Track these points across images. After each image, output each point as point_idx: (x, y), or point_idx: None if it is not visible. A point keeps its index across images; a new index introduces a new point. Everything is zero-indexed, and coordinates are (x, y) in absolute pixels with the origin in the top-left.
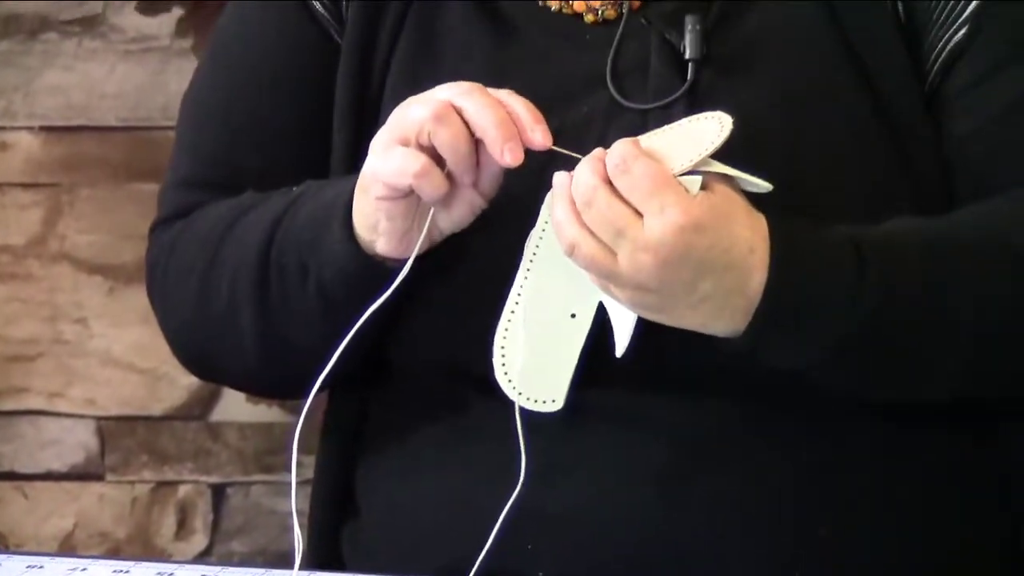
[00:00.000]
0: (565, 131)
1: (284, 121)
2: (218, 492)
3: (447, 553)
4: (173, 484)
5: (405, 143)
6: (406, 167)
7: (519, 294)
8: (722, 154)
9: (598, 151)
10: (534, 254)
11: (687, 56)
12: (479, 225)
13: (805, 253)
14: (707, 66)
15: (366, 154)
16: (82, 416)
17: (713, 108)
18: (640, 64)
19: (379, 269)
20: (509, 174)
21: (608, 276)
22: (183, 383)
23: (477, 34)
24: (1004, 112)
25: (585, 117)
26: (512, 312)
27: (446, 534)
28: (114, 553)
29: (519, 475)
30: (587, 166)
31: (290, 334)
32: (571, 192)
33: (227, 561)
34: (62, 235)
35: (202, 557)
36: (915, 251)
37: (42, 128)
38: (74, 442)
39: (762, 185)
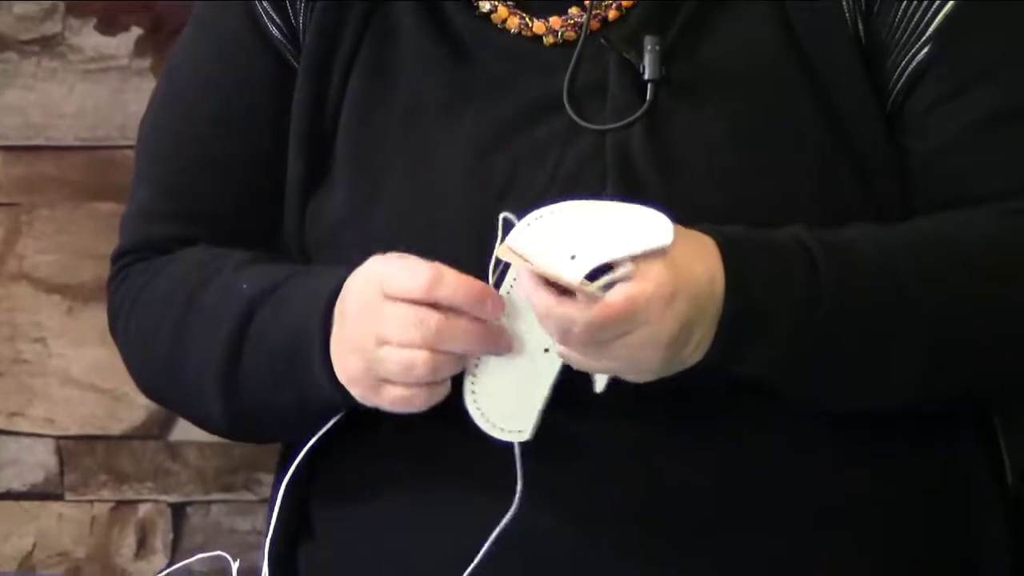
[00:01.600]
0: (523, 156)
1: (237, 153)
2: (178, 511)
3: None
4: (133, 503)
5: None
6: (413, 401)
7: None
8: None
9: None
10: (508, 293)
11: (646, 77)
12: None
13: (755, 264)
14: (666, 88)
15: (320, 182)
16: (41, 435)
17: (672, 129)
18: (598, 85)
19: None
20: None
21: (610, 370)
22: (142, 403)
23: (433, 59)
24: (971, 131)
25: (543, 141)
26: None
27: (404, 556)
28: (74, 573)
29: (513, 501)
30: (549, 312)
31: (263, 423)
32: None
33: None
34: (21, 255)
35: None
36: (866, 248)
37: (1, 148)
38: (33, 461)
39: (662, 240)
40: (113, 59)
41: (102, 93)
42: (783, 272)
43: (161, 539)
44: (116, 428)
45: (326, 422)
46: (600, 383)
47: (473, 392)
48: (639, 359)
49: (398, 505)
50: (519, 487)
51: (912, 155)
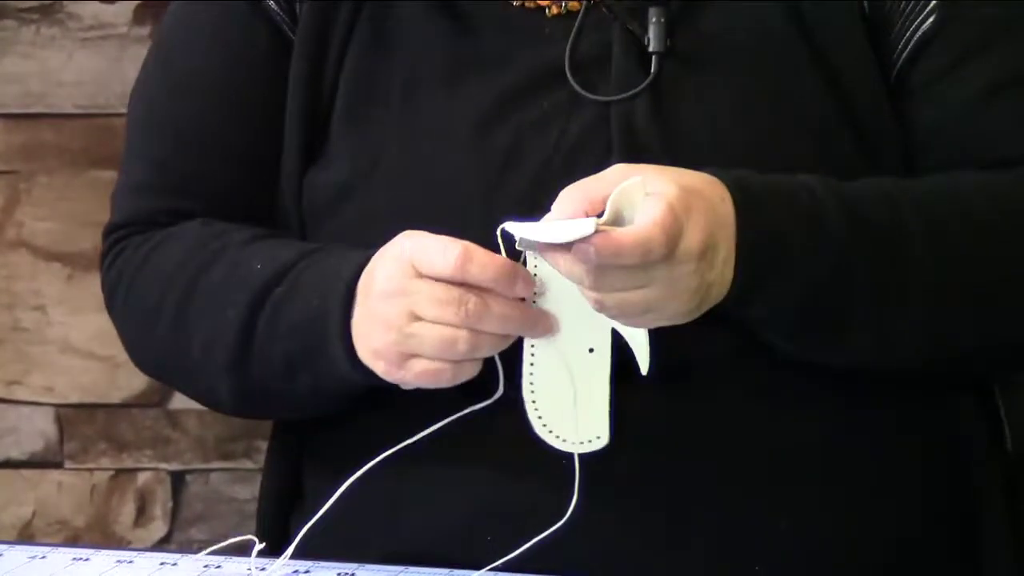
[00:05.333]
0: (526, 127)
1: (233, 127)
2: (177, 480)
3: (395, 544)
4: (132, 472)
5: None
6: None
7: (532, 344)
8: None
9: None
10: (533, 303)
11: (650, 48)
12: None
13: (762, 193)
14: (670, 59)
15: (318, 154)
16: (41, 404)
17: (677, 100)
18: (602, 56)
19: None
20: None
21: (651, 303)
22: None
23: (433, 32)
24: (975, 99)
25: (546, 112)
26: (531, 364)
27: (395, 525)
28: (73, 541)
29: (568, 509)
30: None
31: (271, 403)
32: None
33: (187, 549)
34: (20, 222)
35: (161, 544)
36: (878, 200)
37: (0, 116)
38: (33, 430)
39: (635, 183)
40: (112, 27)
41: (101, 61)
42: (790, 202)
43: (160, 507)
44: (115, 396)
45: (337, 404)
46: (644, 364)
47: (540, 419)
48: (677, 279)
49: (389, 475)
50: (575, 498)
51: (916, 125)
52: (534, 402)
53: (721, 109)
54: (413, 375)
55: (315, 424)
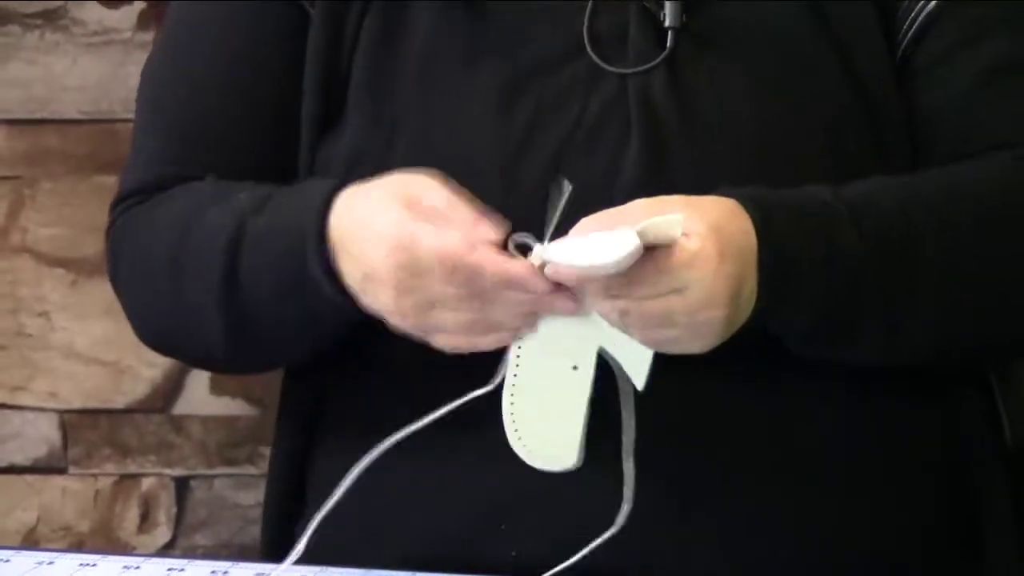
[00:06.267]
0: (546, 102)
1: (252, 98)
2: (181, 485)
3: (403, 546)
4: (136, 477)
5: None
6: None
7: (518, 356)
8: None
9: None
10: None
11: (666, 24)
12: None
13: (781, 216)
14: (686, 37)
15: (334, 123)
16: (44, 409)
17: (692, 77)
18: (618, 32)
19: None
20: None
21: (674, 339)
22: (146, 376)
23: (450, 8)
24: (976, 82)
25: (565, 87)
26: (515, 374)
27: (404, 527)
28: (78, 547)
29: (626, 504)
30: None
31: (265, 338)
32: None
33: (192, 554)
34: (24, 228)
35: (165, 550)
36: (882, 197)
37: (4, 121)
38: (37, 435)
39: (673, 220)
40: (116, 32)
41: (105, 66)
42: (809, 221)
43: (164, 513)
44: (119, 402)
45: (333, 333)
46: (640, 380)
47: (516, 431)
48: (702, 322)
49: (397, 474)
50: (626, 506)
51: (919, 107)
52: (512, 412)
53: (735, 88)
54: (438, 344)
55: (323, 420)
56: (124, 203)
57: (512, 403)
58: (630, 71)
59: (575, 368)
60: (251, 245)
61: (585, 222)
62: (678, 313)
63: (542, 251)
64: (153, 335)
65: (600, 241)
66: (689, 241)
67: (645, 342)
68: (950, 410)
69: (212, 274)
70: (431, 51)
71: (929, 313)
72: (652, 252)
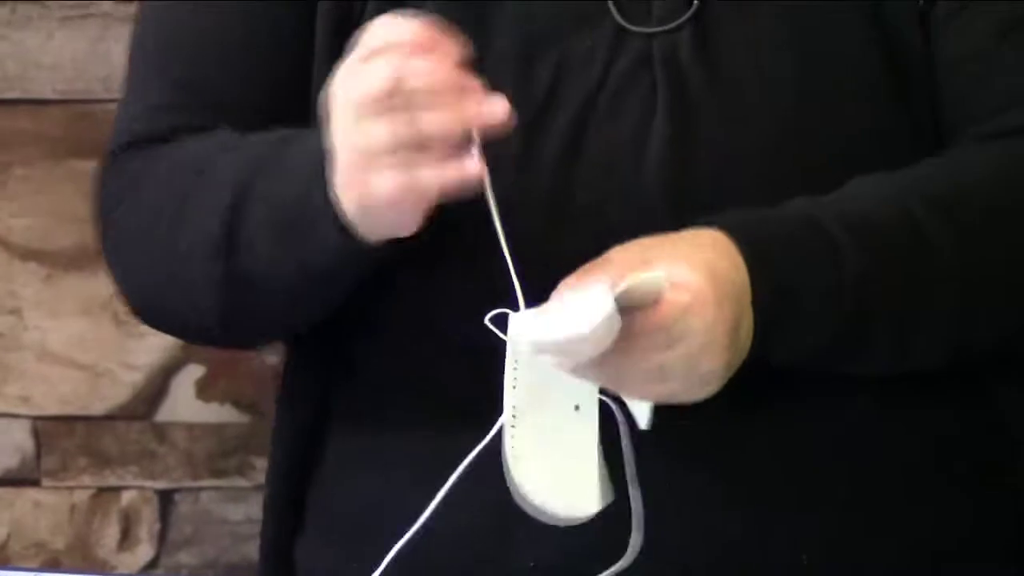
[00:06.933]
0: (568, 65)
1: (263, 39)
2: (165, 499)
3: (411, 552)
4: (116, 490)
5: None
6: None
7: (514, 406)
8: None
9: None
10: (514, 367)
11: None
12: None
13: (771, 244)
14: None
15: None
16: (16, 416)
17: (720, 36)
18: None
19: (373, 252)
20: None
21: (674, 393)
22: (126, 380)
23: None
24: (992, 35)
25: (588, 48)
26: (514, 427)
27: (416, 534)
28: (52, 565)
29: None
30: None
31: (258, 301)
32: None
33: (176, 574)
34: None
35: (148, 570)
36: (888, 210)
37: None
38: (7, 444)
39: (655, 279)
40: (95, 5)
41: (82, 42)
42: (803, 247)
43: (147, 529)
44: (98, 407)
45: (328, 290)
46: (644, 419)
47: (523, 487)
48: (702, 372)
49: (407, 488)
50: (639, 540)
51: (939, 61)
52: (518, 470)
53: (767, 46)
54: (381, 196)
55: (324, 431)
56: (127, 151)
57: (515, 457)
58: (655, 30)
59: (577, 408)
60: (255, 197)
61: (562, 285)
62: (675, 367)
63: (518, 326)
64: (142, 295)
65: (576, 304)
66: (679, 294)
67: (642, 399)
68: (993, 411)
69: (211, 220)
70: (444, 9)
71: (941, 318)
72: (641, 312)
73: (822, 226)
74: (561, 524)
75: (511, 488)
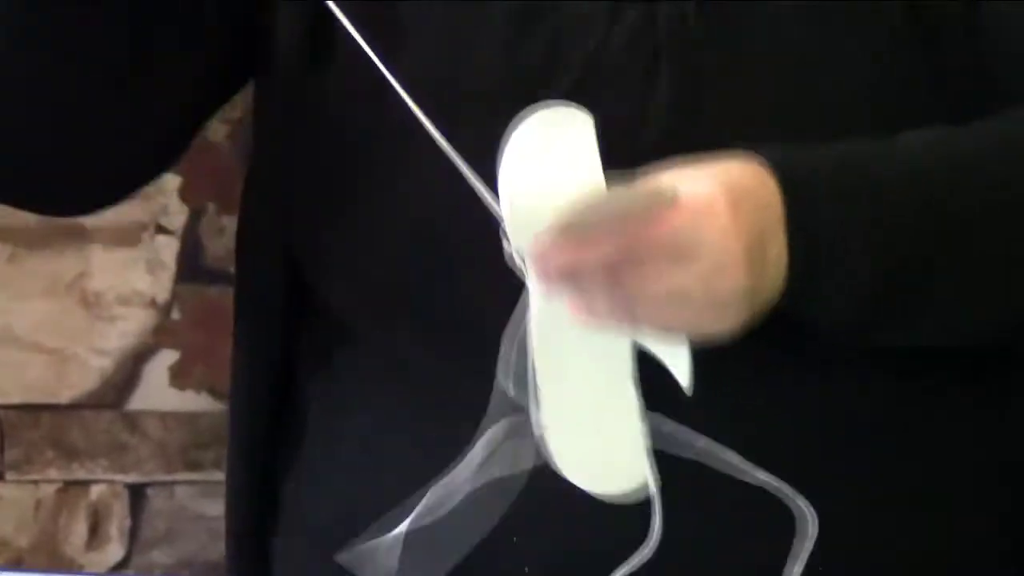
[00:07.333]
0: (565, 29)
1: None
2: (136, 493)
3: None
4: (84, 484)
5: None
6: None
7: (539, 388)
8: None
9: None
10: (535, 347)
11: None
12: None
13: (807, 170)
14: None
15: (323, 53)
16: None
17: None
18: None
19: None
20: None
21: (694, 322)
22: (95, 366)
23: None
24: None
25: (586, 14)
26: (543, 399)
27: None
28: (15, 564)
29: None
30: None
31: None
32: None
33: (148, 574)
34: None
35: (118, 569)
36: (941, 159)
37: None
38: None
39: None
40: None
41: None
42: (850, 175)
43: (117, 526)
44: (65, 395)
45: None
46: (686, 380)
47: (569, 466)
48: (721, 293)
49: (400, 489)
50: (657, 533)
51: (976, 35)
52: (557, 448)
53: (783, 10)
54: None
55: (286, 418)
56: None
57: (556, 446)
58: None
59: (611, 383)
60: None
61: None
62: (690, 286)
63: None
64: None
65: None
66: (687, 201)
67: (662, 335)
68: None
69: None
70: None
71: (1000, 286)
72: (646, 224)
73: (874, 172)
74: (608, 500)
75: (557, 468)
